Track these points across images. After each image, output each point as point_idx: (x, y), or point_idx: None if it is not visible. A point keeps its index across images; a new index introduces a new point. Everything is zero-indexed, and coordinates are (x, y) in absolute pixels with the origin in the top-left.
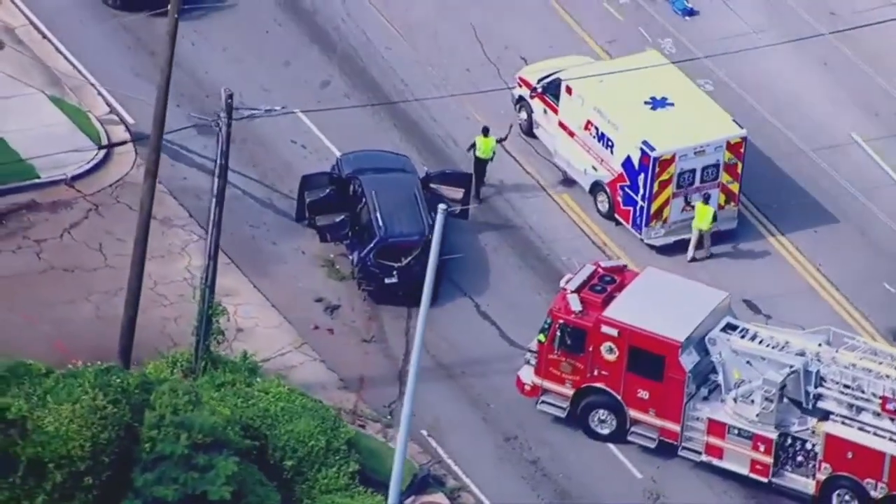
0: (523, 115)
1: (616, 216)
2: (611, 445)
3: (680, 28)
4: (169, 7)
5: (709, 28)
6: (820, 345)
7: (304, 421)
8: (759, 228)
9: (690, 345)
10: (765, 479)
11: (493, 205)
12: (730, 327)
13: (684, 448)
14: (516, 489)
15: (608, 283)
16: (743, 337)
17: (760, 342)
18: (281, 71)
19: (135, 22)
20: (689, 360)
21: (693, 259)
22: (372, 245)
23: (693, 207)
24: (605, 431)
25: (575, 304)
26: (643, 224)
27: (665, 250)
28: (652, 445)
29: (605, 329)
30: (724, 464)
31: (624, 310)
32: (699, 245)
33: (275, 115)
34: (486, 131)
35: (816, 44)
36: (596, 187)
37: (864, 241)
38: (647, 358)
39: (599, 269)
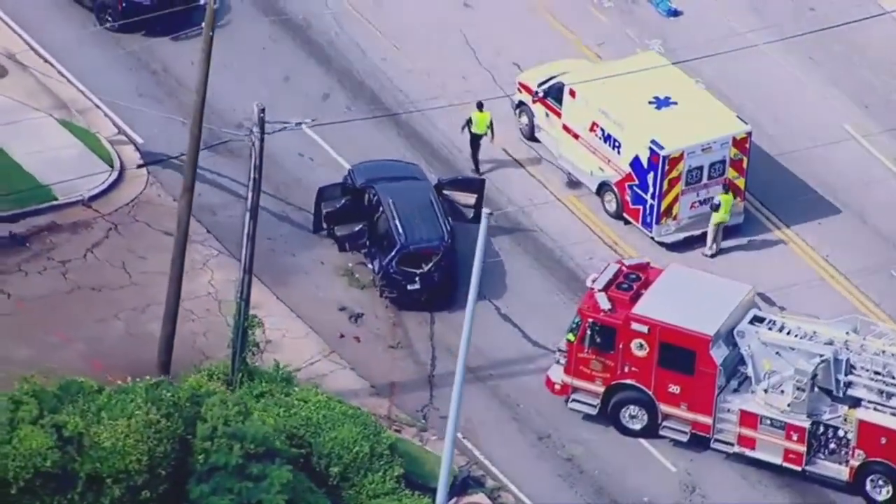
0: (524, 119)
1: (625, 215)
2: (643, 440)
3: (666, 29)
4: (204, 25)
5: (694, 28)
6: (848, 333)
7: (347, 428)
8: (765, 223)
9: (719, 338)
10: (798, 468)
11: (503, 209)
12: (757, 319)
13: (716, 440)
14: (554, 487)
15: (634, 280)
16: (771, 329)
17: (788, 333)
18: (282, 86)
19: (134, 43)
20: (719, 354)
21: (714, 254)
22: (394, 253)
23: (703, 203)
24: (637, 427)
25: (604, 303)
26: (654, 222)
27: (675, 247)
28: (684, 439)
29: (634, 326)
30: (757, 454)
31: (653, 306)
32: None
33: (307, 126)
34: (480, 106)
35: (801, 39)
36: (603, 188)
37: (866, 230)
38: (678, 353)
39: (624, 268)
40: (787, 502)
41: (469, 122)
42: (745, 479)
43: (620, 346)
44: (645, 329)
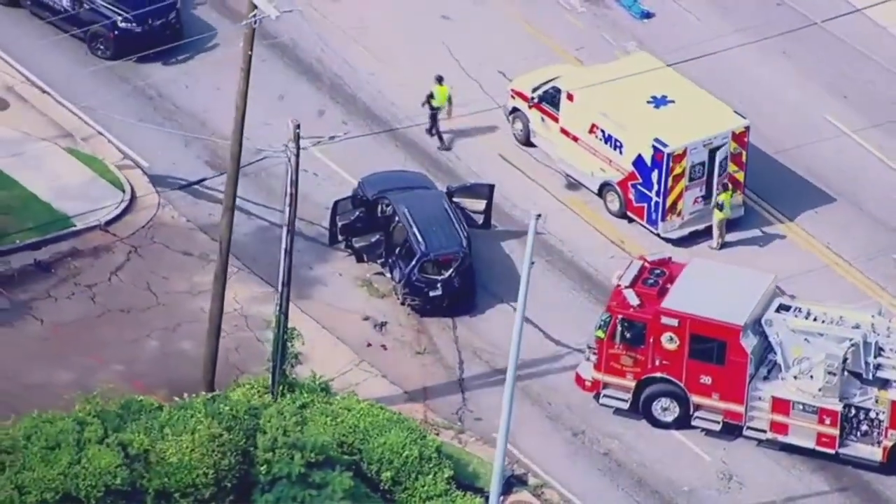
0: (518, 125)
1: (629, 214)
2: (675, 432)
3: (640, 31)
4: (242, 44)
5: (668, 29)
6: (873, 316)
7: (395, 433)
8: (765, 215)
9: (748, 328)
10: (832, 451)
11: (508, 214)
12: (783, 307)
13: (749, 428)
14: (595, 481)
15: (659, 275)
16: (797, 316)
17: (815, 319)
18: (277, 105)
19: (127, 70)
20: (749, 343)
21: (721, 246)
22: (415, 261)
23: (705, 199)
24: (669, 419)
25: (632, 299)
26: (659, 219)
27: (681, 242)
28: (717, 428)
29: (664, 320)
30: (790, 439)
31: (681, 300)
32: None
33: (339, 141)
34: (440, 80)
35: (771, 34)
36: (605, 188)
37: (862, 217)
38: (709, 344)
39: (647, 264)
40: (823, 485)
41: (430, 96)
42: (779, 464)
43: (651, 340)
44: (675, 322)
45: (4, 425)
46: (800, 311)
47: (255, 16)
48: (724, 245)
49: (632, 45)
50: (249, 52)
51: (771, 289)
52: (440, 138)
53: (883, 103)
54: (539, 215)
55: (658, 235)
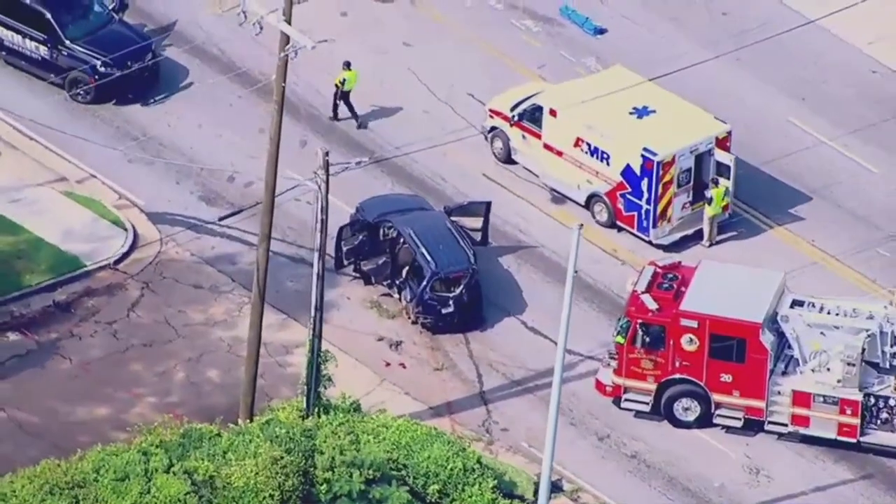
0: (498, 144)
1: (619, 223)
2: (696, 431)
3: (596, 47)
4: (275, 77)
5: (622, 43)
6: (886, 307)
7: (437, 446)
8: (747, 216)
9: (766, 324)
10: (853, 440)
11: (501, 230)
12: (796, 303)
13: (770, 422)
14: (628, 483)
15: (672, 279)
16: (811, 310)
17: (829, 313)
18: (259, 138)
19: (108, 113)
20: (767, 339)
21: (711, 243)
22: (427, 280)
23: (692, 205)
24: (691, 418)
25: (650, 304)
26: (650, 226)
27: (673, 247)
28: (738, 425)
29: (684, 322)
30: (812, 431)
31: (698, 301)
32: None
33: (364, 166)
34: (348, 65)
35: (723, 42)
36: (592, 199)
37: (841, 213)
38: (729, 343)
39: (659, 269)
40: (848, 473)
41: (343, 82)
42: (802, 456)
43: (671, 342)
44: (695, 324)
45: (72, 460)
46: (813, 305)
47: (290, 47)
48: (713, 244)
49: (591, 60)
50: (283, 84)
51: (782, 286)
52: (356, 117)
53: (840, 103)
54: (581, 225)
55: (649, 242)
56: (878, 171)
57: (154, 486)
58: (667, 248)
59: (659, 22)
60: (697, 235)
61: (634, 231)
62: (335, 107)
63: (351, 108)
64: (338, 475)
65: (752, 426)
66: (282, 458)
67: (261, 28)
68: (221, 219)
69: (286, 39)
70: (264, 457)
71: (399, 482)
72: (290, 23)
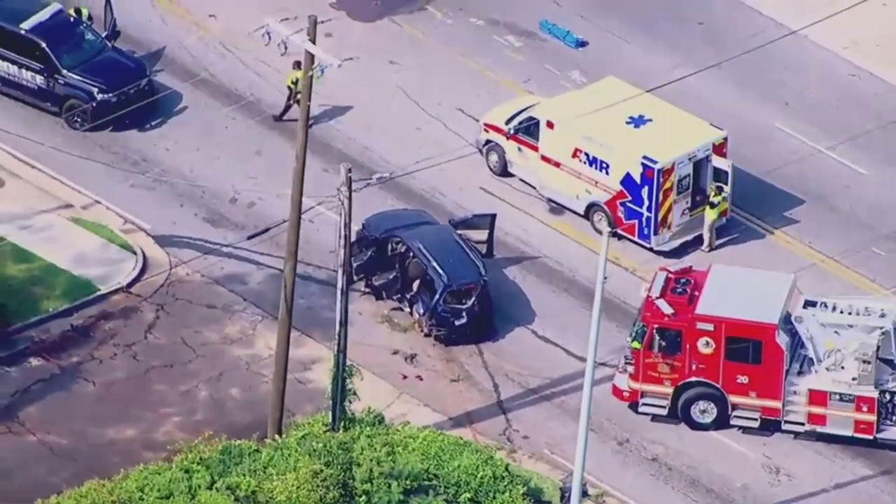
0: (493, 158)
1: (619, 231)
2: (714, 433)
3: (579, 59)
4: (301, 95)
5: (604, 55)
6: None
7: (466, 455)
8: (744, 222)
9: (780, 325)
10: (870, 437)
11: (503, 242)
12: (809, 303)
13: (786, 422)
14: (650, 486)
15: (685, 284)
16: (824, 310)
17: (841, 312)
18: (256, 159)
19: (107, 140)
20: (783, 340)
21: (711, 249)
22: (440, 292)
23: (692, 210)
24: (708, 420)
25: (666, 309)
26: (652, 233)
27: (674, 253)
28: (755, 425)
29: (700, 325)
30: (829, 429)
31: (713, 305)
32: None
33: (384, 182)
34: (298, 65)
35: (700, 52)
36: (592, 209)
37: (834, 215)
38: (745, 344)
39: (671, 274)
40: (866, 469)
41: (295, 82)
42: (820, 454)
43: (687, 346)
44: (711, 327)
45: (115, 480)
46: (826, 305)
47: (317, 66)
48: (713, 248)
49: (575, 73)
50: (308, 103)
51: (793, 287)
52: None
53: (822, 106)
54: (612, 232)
55: (651, 249)
56: (867, 172)
57: (198, 502)
58: (668, 255)
59: (637, 33)
60: (698, 241)
61: (635, 239)
62: (287, 108)
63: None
64: (376, 486)
65: (769, 426)
66: (321, 471)
67: (286, 48)
68: (251, 237)
69: (311, 59)
70: (304, 471)
71: (435, 492)
72: (314, 42)
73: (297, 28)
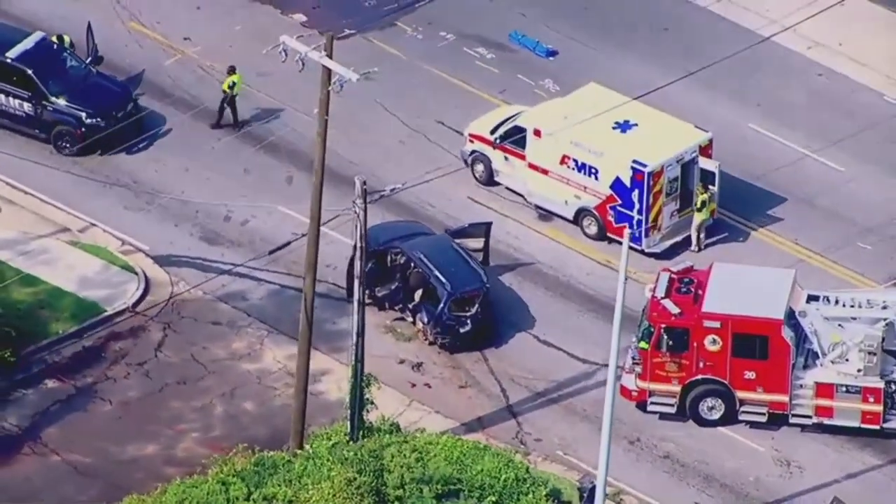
0: (479, 167)
1: (609, 235)
2: (722, 428)
3: (550, 68)
4: (318, 111)
5: (574, 63)
6: None
7: (488, 459)
8: (729, 221)
9: (786, 320)
10: (876, 427)
11: (496, 249)
12: (812, 298)
13: (794, 415)
14: (666, 483)
15: (688, 283)
16: (827, 304)
17: (844, 305)
18: (246, 178)
19: (96, 163)
20: (789, 335)
21: (700, 249)
22: (444, 301)
23: (679, 212)
24: (716, 417)
25: (672, 308)
26: (642, 236)
27: (664, 255)
28: (763, 420)
29: (707, 323)
30: (836, 421)
31: (718, 303)
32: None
33: (397, 192)
34: (233, 69)
35: (669, 56)
36: (581, 213)
37: (816, 211)
38: (752, 340)
39: (674, 274)
40: (875, 459)
41: (231, 86)
42: (828, 445)
43: (694, 344)
44: (717, 324)
45: (153, 494)
46: (828, 299)
47: (336, 81)
48: (702, 249)
49: (548, 82)
50: (325, 118)
51: (795, 282)
52: (236, 119)
53: (793, 106)
54: (631, 232)
55: (642, 252)
56: (844, 168)
57: None
58: (659, 257)
59: (604, 41)
60: (687, 242)
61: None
62: (221, 113)
63: (234, 112)
64: (409, 492)
65: (776, 420)
66: (355, 479)
67: (303, 65)
68: (271, 252)
69: (328, 74)
70: (339, 479)
71: (466, 497)
72: (331, 57)
73: (295, 44)
